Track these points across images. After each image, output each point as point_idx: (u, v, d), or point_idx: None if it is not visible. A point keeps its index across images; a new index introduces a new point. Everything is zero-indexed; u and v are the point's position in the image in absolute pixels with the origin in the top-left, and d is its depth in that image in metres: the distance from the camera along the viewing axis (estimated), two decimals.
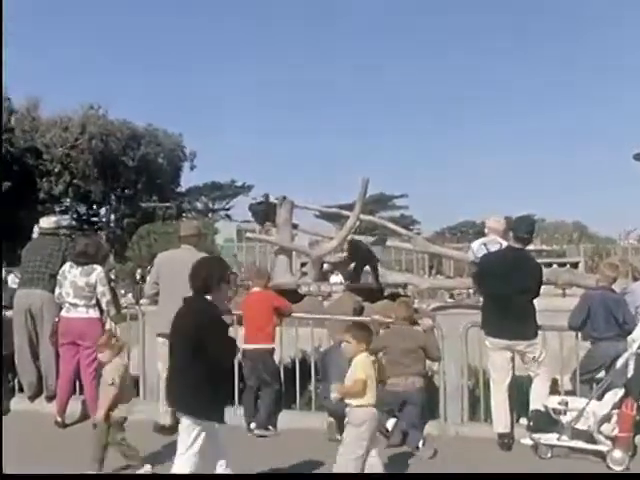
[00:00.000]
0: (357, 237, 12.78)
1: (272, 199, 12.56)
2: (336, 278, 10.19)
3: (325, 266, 11.58)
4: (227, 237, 30.31)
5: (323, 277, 11.09)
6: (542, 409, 3.86)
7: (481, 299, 4.43)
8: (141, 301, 7.10)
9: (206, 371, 2.63)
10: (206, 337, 2.65)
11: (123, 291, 13.52)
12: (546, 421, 3.76)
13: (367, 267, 10.22)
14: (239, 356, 4.57)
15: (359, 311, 6.28)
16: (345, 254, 9.89)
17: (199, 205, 50.29)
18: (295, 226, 12.93)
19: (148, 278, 4.93)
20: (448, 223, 47.91)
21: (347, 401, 3.11)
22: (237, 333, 4.73)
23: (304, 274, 11.22)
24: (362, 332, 3.23)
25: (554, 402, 3.81)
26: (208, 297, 2.79)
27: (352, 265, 9.94)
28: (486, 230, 5.44)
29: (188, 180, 51.08)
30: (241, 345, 4.50)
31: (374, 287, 9.19)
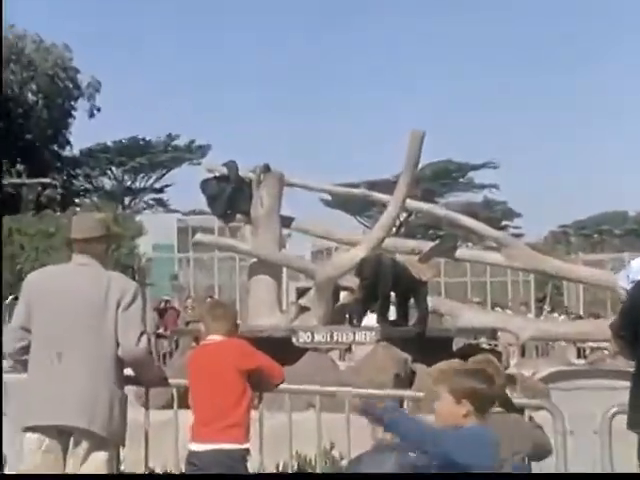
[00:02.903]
0: (400, 240, 12.82)
1: (245, 173, 12.77)
2: (371, 319, 10.38)
3: (343, 295, 11.69)
4: (159, 242, 30.66)
5: (338, 316, 11.18)
6: None
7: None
8: None
9: None
10: None
11: None
12: None
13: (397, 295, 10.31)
14: (183, 463, 4.60)
15: (406, 378, 6.29)
16: (359, 275, 10.16)
17: (106, 183, 51.13)
18: (287, 221, 13.13)
19: (10, 319, 5.03)
20: (562, 220, 51.05)
21: None
22: (177, 420, 4.82)
23: (302, 310, 11.30)
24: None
25: None
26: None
27: (382, 293, 10.16)
28: None
29: (86, 135, 51.76)
30: (186, 444, 4.57)
31: (430, 334, 9.25)
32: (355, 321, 10.30)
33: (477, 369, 4.87)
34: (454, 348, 11.90)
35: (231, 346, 4.76)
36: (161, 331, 19.96)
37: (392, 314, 10.85)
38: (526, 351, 16.55)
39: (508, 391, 4.79)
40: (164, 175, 50.96)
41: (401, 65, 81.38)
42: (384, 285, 9.98)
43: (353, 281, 10.61)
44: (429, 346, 9.31)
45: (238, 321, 5.09)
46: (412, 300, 10.56)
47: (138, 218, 31.73)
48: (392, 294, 10.48)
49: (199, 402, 4.71)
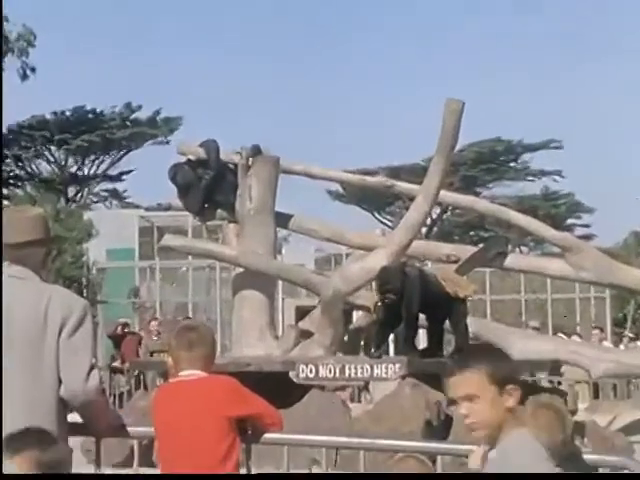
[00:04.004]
0: (431, 244, 12.86)
1: (228, 156, 12.78)
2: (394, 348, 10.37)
3: (357, 317, 11.67)
4: (115, 246, 30.72)
5: (351, 343, 11.18)
6: None
7: None
8: None
9: None
10: None
11: None
12: None
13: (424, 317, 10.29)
14: None
15: (440, 427, 6.28)
16: (378, 290, 10.13)
17: (44, 168, 51.00)
18: (284, 219, 13.15)
19: None
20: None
21: None
22: None
23: (304, 336, 11.31)
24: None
25: None
26: None
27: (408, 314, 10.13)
28: None
29: (16, 105, 51.24)
30: None
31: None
32: (373, 350, 10.31)
33: (535, 418, 4.87)
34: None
35: (216, 385, 4.75)
36: (117, 364, 20.01)
37: (422, 341, 10.85)
38: (601, 391, 16.54)
39: (576, 445, 4.79)
40: (121, 158, 51.14)
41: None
42: (411, 304, 10.01)
43: (370, 298, 10.62)
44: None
45: (217, 351, 5.10)
46: (447, 323, 10.57)
47: (87, 215, 31.82)
48: (421, 315, 10.49)
49: (171, 459, 4.70)
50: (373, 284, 10.60)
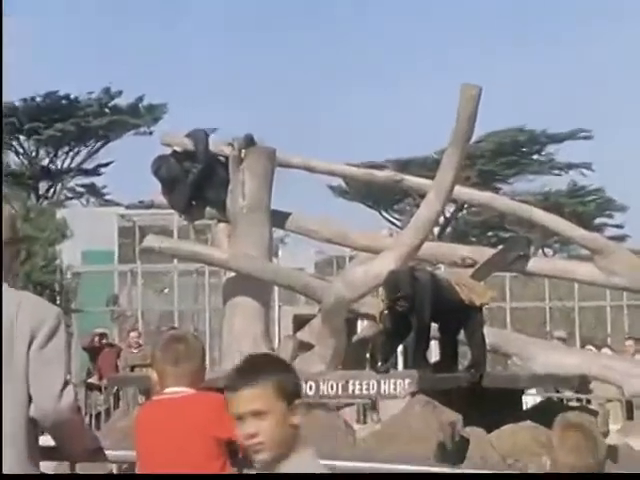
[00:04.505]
0: (444, 246, 12.88)
1: (219, 147, 12.78)
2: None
3: (363, 327, 11.66)
4: (92, 248, 30.70)
5: (356, 357, 11.17)
6: None
7: None
8: None
9: None
10: None
11: None
12: None
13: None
14: None
15: (454, 449, 6.27)
16: (386, 297, 10.14)
17: (12, 160, 50.74)
18: (281, 218, 13.15)
19: None
20: None
21: None
22: None
23: (302, 348, 11.31)
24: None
25: None
26: None
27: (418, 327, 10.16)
28: None
29: None
30: None
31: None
32: (380, 364, 10.31)
33: (562, 440, 4.87)
34: (525, 405, 11.90)
35: (206, 403, 4.75)
36: (94, 380, 20.01)
37: (434, 354, 10.85)
38: (635, 410, 16.51)
39: (606, 469, 4.80)
40: (98, 150, 51.17)
41: None
42: (422, 312, 10.01)
43: (376, 306, 10.62)
44: (488, 402, 9.30)
45: (206, 364, 5.10)
46: (462, 334, 10.57)
47: (60, 213, 31.81)
48: (433, 325, 10.49)
49: None
50: (379, 290, 10.60)
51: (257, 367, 3.66)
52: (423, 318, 10.10)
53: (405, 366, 11.07)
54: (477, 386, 9.81)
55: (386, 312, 10.21)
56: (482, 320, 10.59)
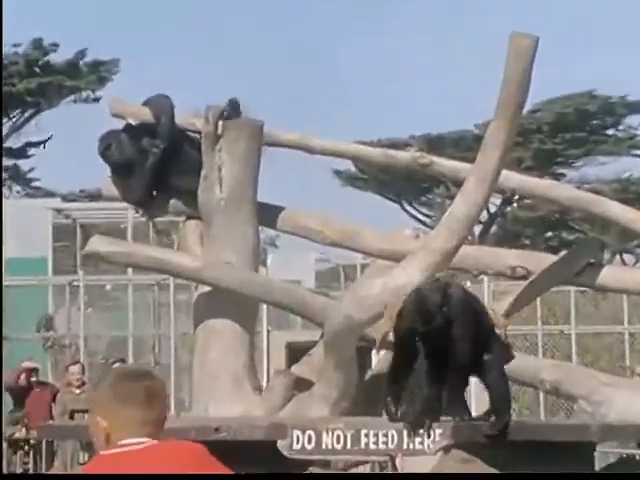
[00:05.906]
0: (487, 251, 13.04)
1: (188, 119, 12.87)
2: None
3: (378, 359, 11.75)
4: (21, 254, 30.69)
5: (369, 398, 11.29)
6: None
7: None
8: None
9: None
10: None
11: None
12: None
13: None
14: None
15: None
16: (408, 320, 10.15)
17: None
18: (271, 214, 13.24)
19: None
20: None
21: None
22: None
23: (298, 387, 11.41)
24: None
25: None
26: None
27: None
28: None
29: None
30: None
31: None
32: (392, 408, 10.30)
33: None
34: (598, 464, 11.96)
35: (187, 453, 4.77)
36: (20, 435, 20.07)
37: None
38: None
39: None
40: (26, 122, 51.26)
41: None
42: (459, 342, 9.98)
43: (383, 324, 10.66)
44: (547, 459, 9.37)
45: (170, 410, 5.17)
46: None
47: None
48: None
49: None
50: (403, 312, 10.55)
51: None
52: (462, 350, 10.05)
53: (433, 412, 11.12)
54: (533, 440, 9.84)
55: (401, 338, 9.98)
56: (507, 355, 10.45)
